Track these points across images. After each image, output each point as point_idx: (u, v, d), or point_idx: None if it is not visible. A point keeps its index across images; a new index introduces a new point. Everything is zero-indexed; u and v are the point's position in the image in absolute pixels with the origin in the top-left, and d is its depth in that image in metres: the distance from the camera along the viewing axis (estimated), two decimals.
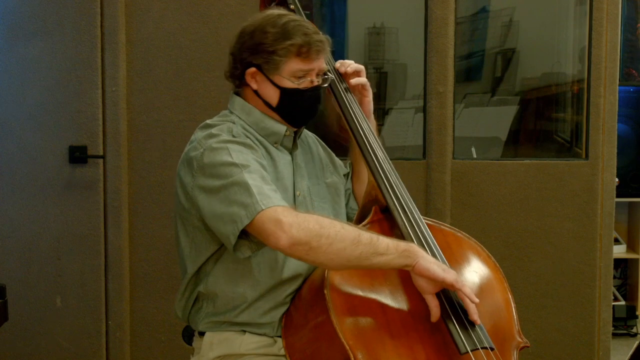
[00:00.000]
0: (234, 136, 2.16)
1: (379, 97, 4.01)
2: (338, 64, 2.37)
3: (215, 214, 2.06)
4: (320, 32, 2.22)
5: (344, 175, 2.49)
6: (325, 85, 2.26)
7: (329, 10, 4.05)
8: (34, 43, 3.44)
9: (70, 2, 3.43)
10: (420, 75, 3.60)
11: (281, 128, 2.25)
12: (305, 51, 2.16)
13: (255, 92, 2.24)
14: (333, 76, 2.32)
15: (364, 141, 2.29)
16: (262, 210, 1.97)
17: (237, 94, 2.29)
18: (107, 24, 3.43)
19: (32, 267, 3.51)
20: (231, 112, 2.27)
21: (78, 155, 3.46)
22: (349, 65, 2.36)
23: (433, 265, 1.99)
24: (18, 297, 3.45)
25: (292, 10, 2.41)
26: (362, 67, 2.37)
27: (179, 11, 3.47)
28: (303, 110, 2.24)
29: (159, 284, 3.52)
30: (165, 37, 3.47)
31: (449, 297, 2.03)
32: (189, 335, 2.37)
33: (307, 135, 2.46)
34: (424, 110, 3.55)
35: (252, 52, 2.19)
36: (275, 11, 2.24)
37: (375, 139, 2.31)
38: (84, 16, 3.42)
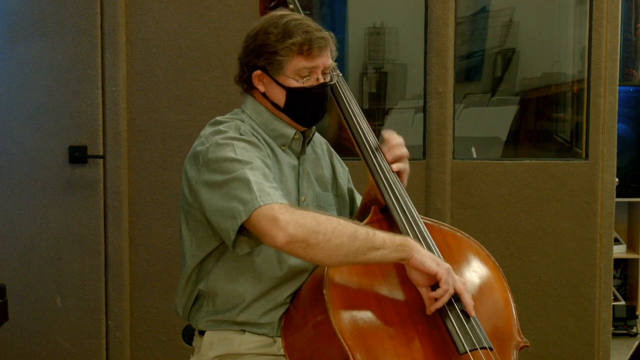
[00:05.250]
0: (241, 134, 2.17)
1: (379, 97, 4.02)
2: (387, 134, 2.30)
3: (216, 209, 2.07)
4: (323, 29, 2.21)
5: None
6: (333, 81, 2.26)
7: (329, 10, 4.05)
8: (34, 43, 3.44)
9: (70, 2, 3.43)
10: (420, 75, 3.60)
11: (290, 131, 2.25)
12: (307, 49, 2.16)
13: (264, 94, 2.24)
14: (338, 72, 2.32)
15: (362, 140, 2.29)
16: (260, 206, 1.97)
17: (251, 94, 2.29)
18: (107, 24, 3.43)
19: (32, 267, 3.51)
20: (243, 111, 2.28)
21: (78, 155, 3.46)
22: (396, 147, 2.29)
23: (427, 259, 2.01)
24: (18, 297, 3.45)
25: (292, 11, 2.41)
26: (406, 153, 2.30)
27: (179, 11, 3.47)
28: (311, 108, 2.23)
29: (159, 284, 3.53)
30: (165, 37, 3.47)
31: None
32: (189, 335, 2.37)
33: (322, 143, 2.45)
34: (424, 110, 3.55)
35: (256, 55, 2.20)
36: (278, 12, 2.25)
37: (374, 138, 2.31)
38: (84, 16, 3.42)
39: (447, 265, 2.02)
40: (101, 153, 3.47)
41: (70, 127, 3.46)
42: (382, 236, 2.00)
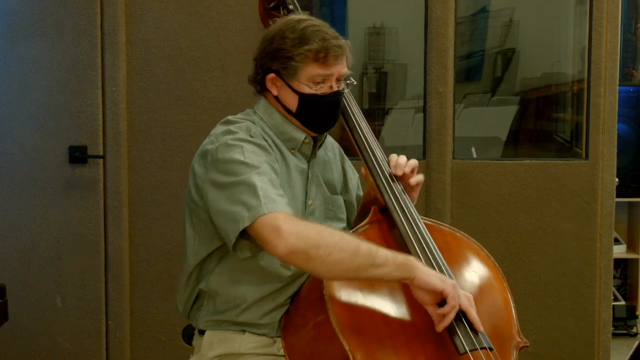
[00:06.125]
0: (251, 136, 2.16)
1: (379, 97, 4.02)
2: (392, 168, 2.26)
3: (220, 210, 2.06)
4: (341, 37, 2.20)
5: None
6: (346, 90, 2.25)
7: (329, 10, 4.05)
8: (34, 43, 3.44)
9: (70, 2, 3.43)
10: (420, 75, 3.60)
11: (300, 135, 2.24)
12: (322, 56, 2.14)
13: (276, 97, 2.23)
14: (351, 81, 2.31)
15: (362, 141, 2.30)
16: (265, 214, 1.97)
17: (264, 96, 2.29)
18: (107, 24, 3.43)
19: (32, 267, 3.51)
20: (255, 112, 2.27)
21: (78, 155, 3.46)
22: (404, 165, 2.26)
23: (431, 277, 1.98)
24: (18, 297, 3.45)
25: (291, 11, 2.41)
26: (415, 163, 2.27)
27: (179, 11, 3.47)
28: (322, 115, 2.22)
29: (159, 284, 3.53)
30: (165, 37, 3.47)
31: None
32: (188, 335, 2.37)
33: (334, 147, 2.45)
34: (424, 110, 3.55)
35: (271, 58, 2.19)
36: (297, 16, 2.24)
37: (374, 139, 2.31)
38: (84, 16, 3.42)
39: (452, 281, 2.01)
40: (101, 153, 3.47)
41: (70, 127, 3.46)
42: (384, 254, 1.98)
